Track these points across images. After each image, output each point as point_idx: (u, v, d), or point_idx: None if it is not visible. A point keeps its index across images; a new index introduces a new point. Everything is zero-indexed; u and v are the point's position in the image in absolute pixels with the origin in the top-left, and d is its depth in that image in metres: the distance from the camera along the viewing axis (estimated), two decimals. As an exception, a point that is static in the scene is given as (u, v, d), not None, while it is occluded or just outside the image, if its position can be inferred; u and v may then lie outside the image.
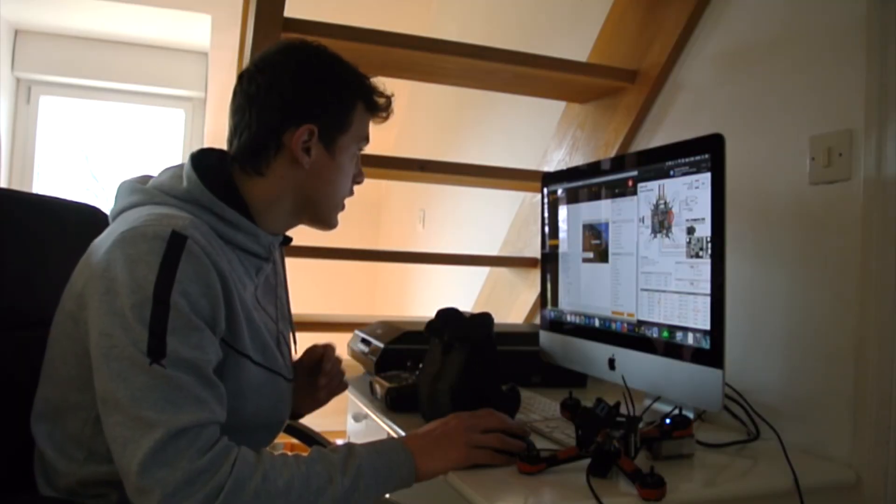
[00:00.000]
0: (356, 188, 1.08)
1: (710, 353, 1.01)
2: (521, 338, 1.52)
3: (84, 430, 0.84)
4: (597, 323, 1.29)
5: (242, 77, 0.97)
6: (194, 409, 0.75)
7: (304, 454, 0.82)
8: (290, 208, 0.98)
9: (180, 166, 0.95)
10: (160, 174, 0.95)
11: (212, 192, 0.90)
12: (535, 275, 2.07)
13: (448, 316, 1.09)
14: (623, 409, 0.96)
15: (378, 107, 1.02)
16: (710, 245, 1.02)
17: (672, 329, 1.09)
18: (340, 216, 1.04)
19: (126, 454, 0.72)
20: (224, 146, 0.99)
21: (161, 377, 0.74)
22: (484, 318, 1.08)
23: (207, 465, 0.73)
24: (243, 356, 0.89)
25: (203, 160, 0.94)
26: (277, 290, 1.06)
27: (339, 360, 1.17)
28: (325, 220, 1.02)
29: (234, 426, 0.82)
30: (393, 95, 1.04)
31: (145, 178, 0.95)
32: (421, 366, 1.15)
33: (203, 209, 0.89)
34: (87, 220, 1.14)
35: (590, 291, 1.32)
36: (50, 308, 0.90)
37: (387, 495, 0.88)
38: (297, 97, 0.94)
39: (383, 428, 1.16)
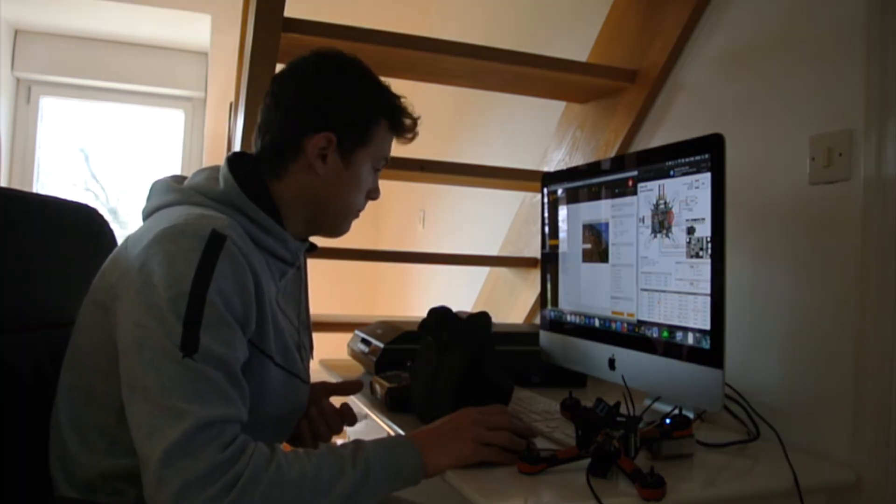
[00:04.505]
0: None
1: (710, 353, 1.01)
2: (521, 338, 1.52)
3: (108, 420, 0.84)
4: (597, 323, 1.29)
5: (274, 79, 0.99)
6: (221, 405, 0.76)
7: (314, 450, 0.82)
8: (304, 215, 1.00)
9: (215, 168, 0.97)
10: (194, 175, 0.97)
11: (247, 195, 0.92)
12: (535, 275, 2.07)
13: (443, 315, 1.09)
14: (623, 409, 0.96)
15: (403, 128, 1.04)
16: (710, 245, 1.02)
17: (672, 329, 1.09)
18: None
19: (151, 442, 0.73)
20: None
21: (192, 370, 0.75)
22: (483, 317, 1.08)
23: (228, 457, 0.74)
24: (267, 357, 0.91)
25: (238, 164, 0.96)
26: (300, 295, 1.07)
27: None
28: (332, 229, 1.04)
29: (252, 424, 0.82)
30: (420, 118, 1.05)
31: (180, 178, 0.97)
32: (409, 364, 1.15)
33: (237, 211, 0.91)
34: (86, 220, 1.14)
35: (590, 291, 1.32)
36: (50, 309, 0.90)
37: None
38: (319, 104, 0.96)
39: (383, 428, 1.16)
